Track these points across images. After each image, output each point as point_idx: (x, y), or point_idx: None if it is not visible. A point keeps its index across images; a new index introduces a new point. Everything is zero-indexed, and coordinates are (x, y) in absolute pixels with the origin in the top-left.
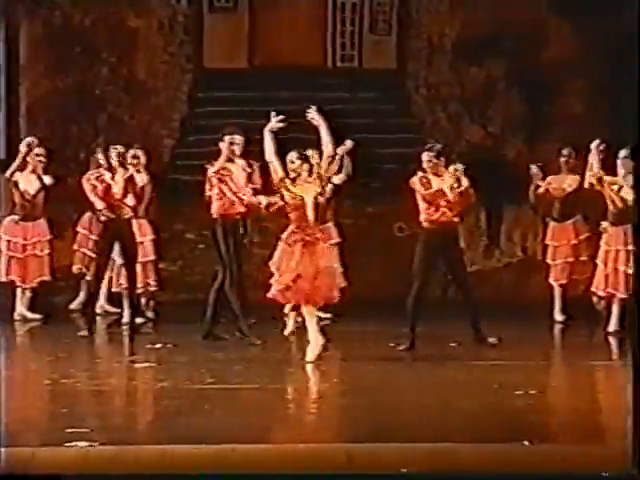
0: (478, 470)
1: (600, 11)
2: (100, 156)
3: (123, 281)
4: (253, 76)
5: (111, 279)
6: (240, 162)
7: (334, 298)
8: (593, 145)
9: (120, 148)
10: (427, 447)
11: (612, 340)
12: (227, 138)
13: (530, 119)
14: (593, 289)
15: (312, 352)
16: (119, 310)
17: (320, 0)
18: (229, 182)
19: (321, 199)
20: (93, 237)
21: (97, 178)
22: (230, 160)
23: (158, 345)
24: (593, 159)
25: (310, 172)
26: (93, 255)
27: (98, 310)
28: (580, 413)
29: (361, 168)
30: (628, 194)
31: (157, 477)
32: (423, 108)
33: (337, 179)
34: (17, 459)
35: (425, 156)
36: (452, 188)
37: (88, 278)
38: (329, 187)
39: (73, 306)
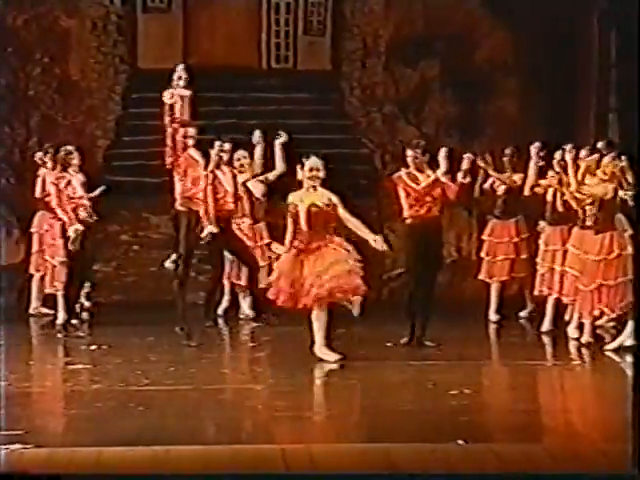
0: (410, 470)
1: (533, 10)
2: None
3: (57, 283)
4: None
5: (43, 279)
6: (226, 169)
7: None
8: (533, 148)
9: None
10: (361, 447)
11: (546, 339)
12: (217, 144)
13: (464, 119)
14: (536, 291)
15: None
16: (53, 312)
17: (254, 1)
18: (217, 186)
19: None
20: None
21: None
22: (218, 166)
23: (93, 347)
24: (532, 162)
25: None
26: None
27: (32, 311)
28: (514, 412)
29: (295, 169)
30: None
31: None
32: (358, 109)
33: (272, 175)
34: None
35: (411, 153)
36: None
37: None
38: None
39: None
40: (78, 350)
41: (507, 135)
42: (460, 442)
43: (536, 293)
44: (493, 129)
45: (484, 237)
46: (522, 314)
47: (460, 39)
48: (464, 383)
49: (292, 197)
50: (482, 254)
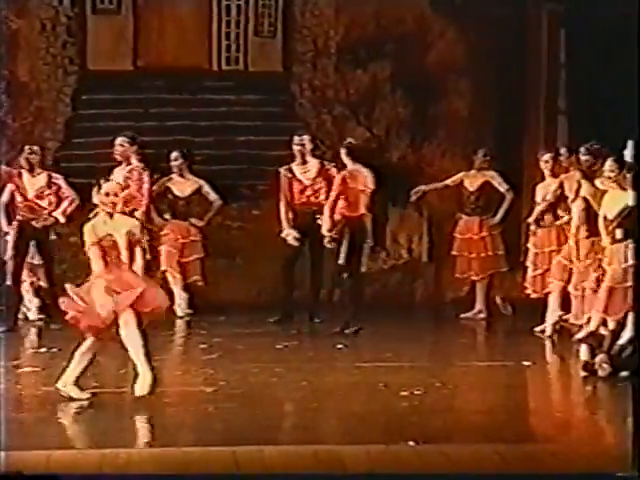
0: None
1: (485, 10)
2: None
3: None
4: (138, 78)
5: None
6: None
7: None
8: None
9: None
10: (311, 449)
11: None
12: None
13: (415, 121)
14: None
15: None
16: None
17: (205, 2)
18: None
19: None
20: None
21: None
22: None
23: (43, 349)
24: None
25: None
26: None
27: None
28: (462, 412)
29: (247, 171)
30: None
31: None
32: (309, 111)
33: None
34: None
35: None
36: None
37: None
38: None
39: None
40: (27, 353)
41: (458, 136)
42: (411, 443)
43: (534, 295)
44: (444, 130)
45: (455, 234)
46: (469, 315)
47: (411, 41)
48: (414, 384)
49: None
50: (454, 252)
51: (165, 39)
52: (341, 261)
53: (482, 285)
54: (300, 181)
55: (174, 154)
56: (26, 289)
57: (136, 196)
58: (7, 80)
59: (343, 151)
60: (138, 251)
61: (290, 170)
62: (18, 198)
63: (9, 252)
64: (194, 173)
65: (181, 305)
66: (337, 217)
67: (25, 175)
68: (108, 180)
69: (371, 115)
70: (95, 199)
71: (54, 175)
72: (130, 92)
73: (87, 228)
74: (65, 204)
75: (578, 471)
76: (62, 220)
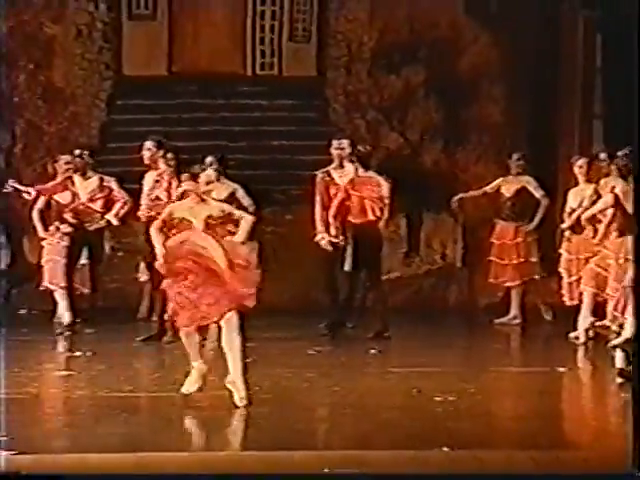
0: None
1: (519, 15)
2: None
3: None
4: (172, 83)
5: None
6: None
7: None
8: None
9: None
10: (342, 454)
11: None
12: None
13: (448, 126)
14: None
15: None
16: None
17: (240, 7)
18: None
19: None
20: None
21: None
22: None
23: (77, 353)
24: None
25: None
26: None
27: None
28: (496, 418)
29: (280, 176)
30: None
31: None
32: (342, 116)
33: None
34: None
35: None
36: None
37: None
38: None
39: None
40: (63, 356)
41: (492, 141)
42: (445, 449)
43: (569, 303)
44: (478, 135)
45: (493, 240)
46: (504, 320)
47: (444, 46)
48: (448, 390)
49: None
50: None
51: (200, 44)
52: (347, 267)
53: (517, 291)
54: (337, 185)
55: (209, 159)
56: (62, 294)
57: (161, 202)
58: (43, 85)
59: (353, 158)
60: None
61: (328, 174)
62: (63, 201)
63: (54, 257)
64: (229, 178)
65: None
66: (337, 223)
67: (77, 179)
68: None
69: (404, 120)
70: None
71: (106, 178)
72: (164, 97)
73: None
74: (117, 206)
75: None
76: (115, 222)
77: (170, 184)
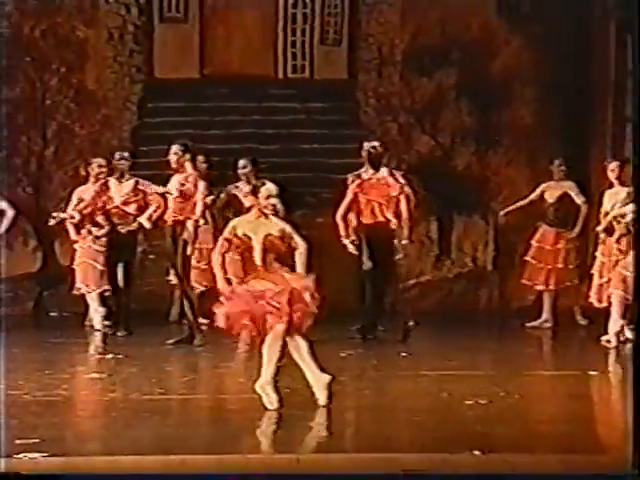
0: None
1: (551, 17)
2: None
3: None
4: (204, 86)
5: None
6: None
7: None
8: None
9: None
10: (373, 457)
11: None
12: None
13: (480, 129)
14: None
15: None
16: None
17: (271, 11)
18: None
19: None
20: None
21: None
22: None
23: (109, 356)
24: None
25: None
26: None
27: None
28: (528, 422)
29: (311, 178)
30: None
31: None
32: (373, 119)
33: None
34: None
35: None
36: None
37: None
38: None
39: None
40: (94, 359)
41: (524, 144)
42: (476, 452)
43: (597, 304)
44: (509, 138)
45: (532, 242)
46: (535, 323)
47: (476, 48)
48: (479, 393)
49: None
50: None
51: (231, 47)
52: (365, 267)
53: (549, 294)
54: None
55: (242, 162)
56: (93, 297)
57: (187, 205)
58: (75, 88)
59: (365, 159)
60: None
61: (359, 177)
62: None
63: (87, 260)
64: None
65: None
66: (343, 224)
67: (112, 182)
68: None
69: (436, 123)
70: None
71: (141, 181)
72: (196, 100)
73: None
74: (151, 210)
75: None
76: (147, 225)
77: (196, 187)
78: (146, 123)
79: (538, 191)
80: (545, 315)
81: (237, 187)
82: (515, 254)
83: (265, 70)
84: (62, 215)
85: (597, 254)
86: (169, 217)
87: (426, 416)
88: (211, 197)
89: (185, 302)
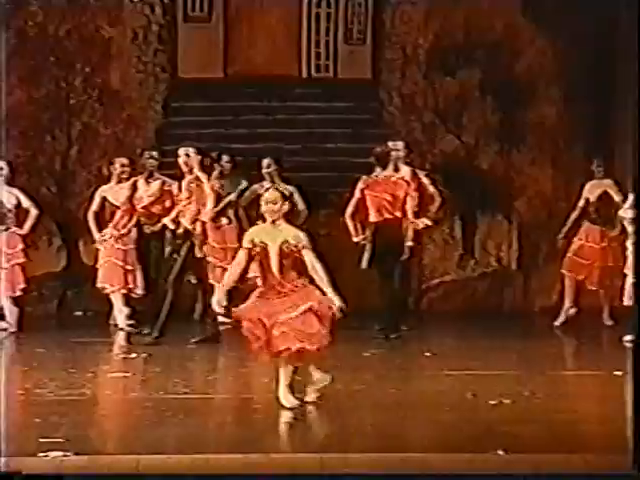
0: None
1: (574, 17)
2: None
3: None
4: (228, 86)
5: None
6: None
7: None
8: None
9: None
10: (399, 457)
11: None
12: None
13: (504, 128)
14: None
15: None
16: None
17: (295, 10)
18: None
19: None
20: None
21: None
22: None
23: (133, 355)
24: None
25: None
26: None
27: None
28: (552, 422)
29: (335, 178)
30: None
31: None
32: (397, 118)
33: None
34: None
35: None
36: None
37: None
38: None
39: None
40: (117, 358)
41: (548, 143)
42: (500, 452)
43: (626, 302)
44: (533, 137)
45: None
46: (561, 318)
47: (500, 48)
48: (503, 393)
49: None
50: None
51: (255, 47)
52: (363, 265)
53: (571, 283)
54: None
55: (266, 161)
56: (117, 297)
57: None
58: (99, 88)
59: (373, 159)
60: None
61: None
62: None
63: (110, 259)
64: (284, 180)
65: None
66: (352, 222)
67: (140, 182)
68: (268, 189)
69: (460, 122)
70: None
71: (167, 181)
72: (220, 100)
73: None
74: (176, 210)
75: None
76: (171, 226)
77: (204, 189)
78: (170, 123)
79: (583, 195)
80: (567, 302)
81: (262, 186)
82: (539, 253)
83: (289, 69)
84: (113, 232)
85: (628, 253)
86: (172, 219)
87: (450, 416)
88: (234, 195)
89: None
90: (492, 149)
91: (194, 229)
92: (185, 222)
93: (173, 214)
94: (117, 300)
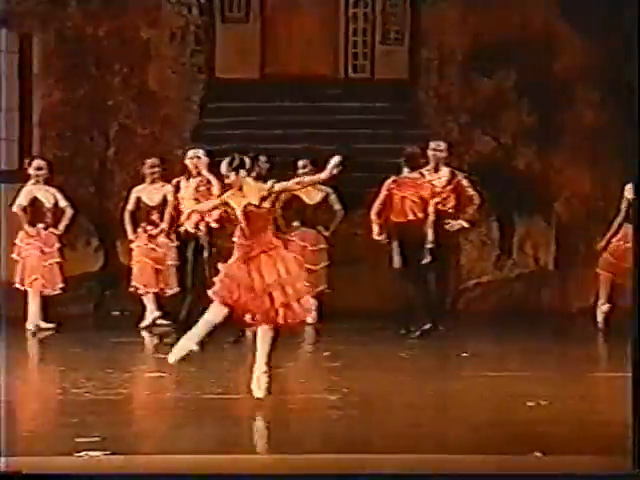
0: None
1: (612, 19)
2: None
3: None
4: (265, 86)
5: None
6: None
7: None
8: None
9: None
10: (433, 458)
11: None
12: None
13: (541, 129)
14: None
15: None
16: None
17: (332, 10)
18: None
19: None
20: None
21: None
22: None
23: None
24: None
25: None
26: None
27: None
28: (590, 424)
29: (372, 178)
30: None
31: None
32: (434, 119)
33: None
34: (28, 467)
35: None
36: None
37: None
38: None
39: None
40: (153, 358)
41: (585, 144)
42: (537, 454)
43: None
44: (571, 138)
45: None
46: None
47: (538, 48)
48: (540, 395)
49: None
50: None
51: (292, 47)
52: (395, 265)
53: (605, 281)
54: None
55: (302, 162)
56: (149, 298)
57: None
58: (137, 89)
59: (402, 159)
60: None
61: (422, 175)
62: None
63: (143, 259)
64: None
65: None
66: (377, 222)
67: (182, 182)
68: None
69: (497, 123)
70: None
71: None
72: (257, 100)
73: None
74: (186, 213)
75: None
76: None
77: (210, 191)
78: (207, 123)
79: (625, 195)
80: (602, 299)
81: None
82: (577, 254)
83: (326, 70)
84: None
85: None
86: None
87: (487, 417)
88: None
89: None
90: (529, 150)
91: (199, 231)
92: (188, 225)
93: (184, 216)
94: (149, 301)
